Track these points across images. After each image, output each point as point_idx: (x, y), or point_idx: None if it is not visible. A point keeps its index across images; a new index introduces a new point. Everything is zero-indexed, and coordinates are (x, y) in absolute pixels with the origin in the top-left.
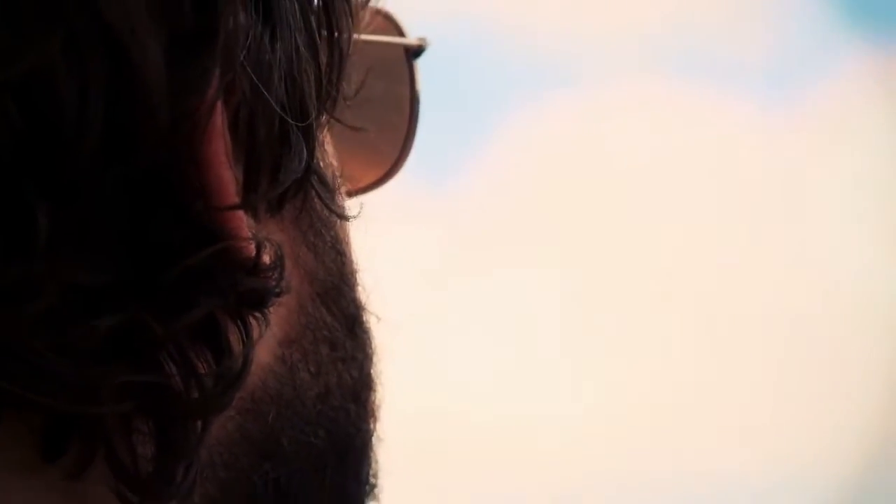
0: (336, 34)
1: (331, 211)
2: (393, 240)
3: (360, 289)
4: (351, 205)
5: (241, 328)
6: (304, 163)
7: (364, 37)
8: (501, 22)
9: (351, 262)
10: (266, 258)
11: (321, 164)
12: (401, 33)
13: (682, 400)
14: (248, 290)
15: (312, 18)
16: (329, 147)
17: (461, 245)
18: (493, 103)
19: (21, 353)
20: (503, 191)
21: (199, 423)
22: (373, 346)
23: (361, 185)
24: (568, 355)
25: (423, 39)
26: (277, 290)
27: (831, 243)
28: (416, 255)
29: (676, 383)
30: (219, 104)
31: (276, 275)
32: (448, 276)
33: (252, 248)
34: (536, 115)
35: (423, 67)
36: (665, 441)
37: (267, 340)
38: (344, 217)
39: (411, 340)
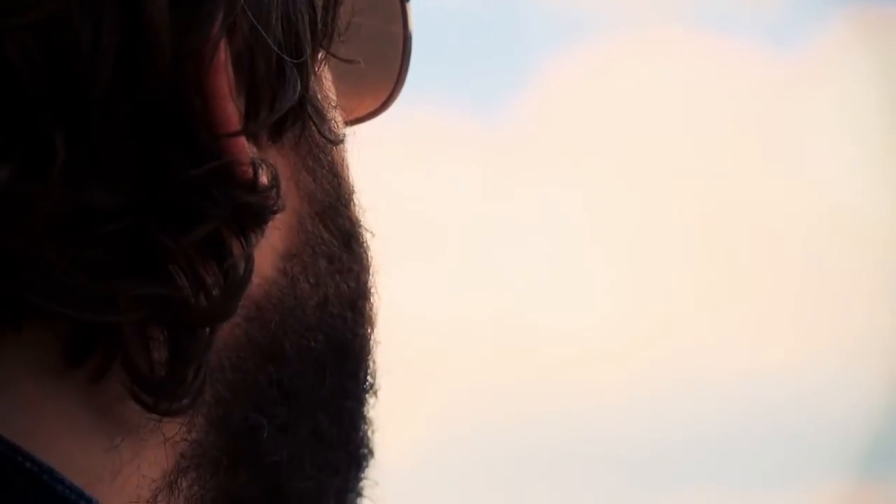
0: None
1: (324, 137)
2: (449, 157)
3: (355, 208)
4: (345, 132)
5: (243, 243)
6: (297, 94)
7: None
8: None
9: (347, 183)
10: (263, 179)
11: (318, 95)
12: None
13: (709, 303)
14: (247, 208)
15: None
16: (327, 81)
17: (508, 162)
18: (533, 49)
19: (44, 269)
20: (543, 121)
21: (207, 330)
22: (369, 259)
23: (360, 115)
24: (596, 260)
25: None
26: (274, 207)
27: (829, 156)
28: (468, 170)
29: (699, 288)
30: (222, 43)
31: (272, 194)
32: (493, 187)
33: (251, 170)
34: (572, 56)
35: (478, 16)
36: (689, 342)
37: (270, 255)
38: (336, 142)
39: (463, 248)
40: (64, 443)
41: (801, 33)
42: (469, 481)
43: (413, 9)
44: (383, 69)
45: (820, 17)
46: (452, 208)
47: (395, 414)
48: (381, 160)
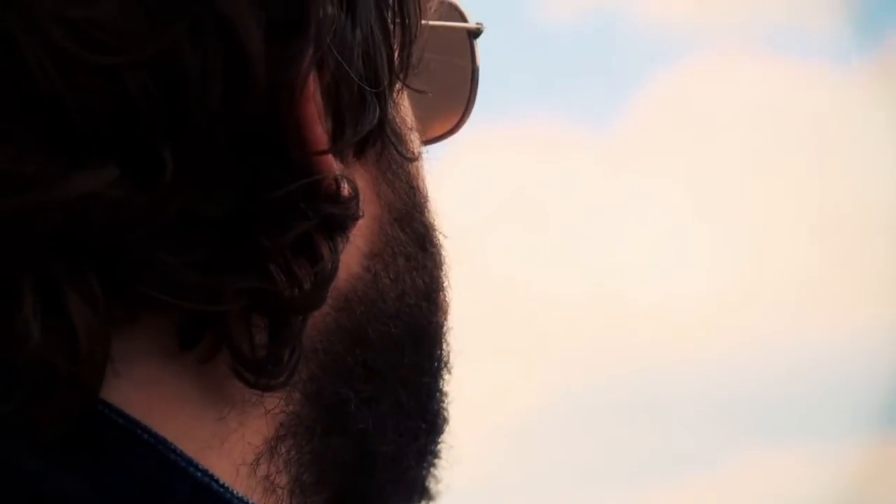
0: (405, 22)
1: (401, 155)
2: (567, 159)
3: (429, 214)
4: (422, 150)
5: (330, 244)
6: (377, 118)
7: (433, 22)
8: (643, 11)
9: (422, 193)
10: (345, 192)
11: (395, 119)
12: (463, 19)
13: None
14: (331, 216)
15: (386, 10)
16: (404, 107)
17: (617, 163)
18: (637, 68)
19: (160, 267)
20: (644, 127)
21: (300, 317)
22: (441, 257)
23: (435, 135)
24: (689, 242)
25: (479, 24)
26: (355, 216)
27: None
28: (584, 169)
29: (777, 269)
30: (311, 76)
31: (353, 204)
32: (604, 184)
33: (335, 184)
34: (668, 75)
35: (586, 40)
36: (765, 313)
37: (355, 255)
38: (411, 159)
39: (580, 234)
40: (179, 415)
41: (860, 49)
42: (582, 430)
43: (528, 27)
44: (455, 97)
45: (876, 33)
46: (573, 197)
47: (518, 371)
48: (509, 159)
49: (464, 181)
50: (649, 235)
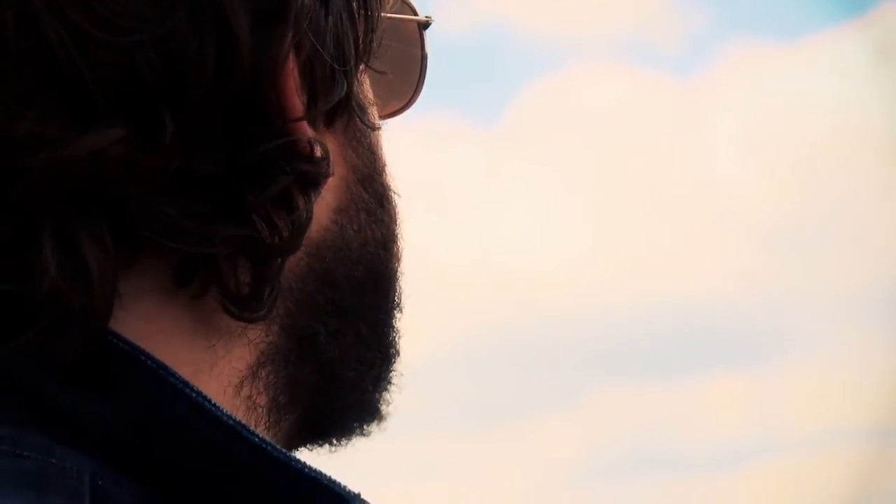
0: (368, 13)
1: (364, 124)
2: (461, 150)
3: (387, 176)
4: (380, 123)
5: (305, 198)
6: (344, 92)
7: (389, 15)
8: (525, 27)
9: (381, 158)
10: (318, 153)
11: (359, 95)
12: (414, 13)
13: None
14: (306, 173)
15: (353, 1)
16: (366, 85)
17: (502, 154)
18: (520, 75)
19: (161, 216)
20: (527, 124)
21: (279, 260)
22: (396, 213)
23: (389, 111)
24: (563, 218)
25: (429, 17)
26: (326, 174)
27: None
28: (474, 159)
29: (633, 238)
30: (291, 55)
31: (324, 164)
32: (492, 173)
33: (309, 146)
34: (546, 81)
35: (478, 50)
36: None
37: (325, 210)
38: (373, 129)
39: (471, 212)
40: (175, 343)
41: (695, 64)
42: (478, 368)
43: (430, 38)
44: (406, 79)
45: (709, 51)
46: (463, 183)
47: (427, 322)
48: (413, 149)
49: None
50: (528, 214)
